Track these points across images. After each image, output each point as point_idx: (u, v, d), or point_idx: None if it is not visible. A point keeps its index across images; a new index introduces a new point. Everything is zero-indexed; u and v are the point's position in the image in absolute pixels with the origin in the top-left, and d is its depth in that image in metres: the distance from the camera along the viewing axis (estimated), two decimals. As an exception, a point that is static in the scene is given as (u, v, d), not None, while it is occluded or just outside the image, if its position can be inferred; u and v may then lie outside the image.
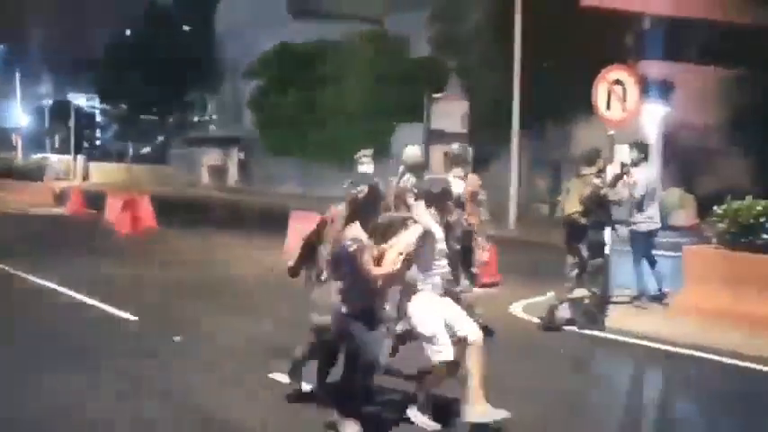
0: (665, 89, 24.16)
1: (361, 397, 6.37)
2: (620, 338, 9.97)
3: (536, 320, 10.71)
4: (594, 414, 7.52)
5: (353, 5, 41.05)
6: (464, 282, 8.73)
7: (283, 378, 7.48)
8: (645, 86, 16.31)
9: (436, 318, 6.30)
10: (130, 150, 68.85)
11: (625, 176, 10.97)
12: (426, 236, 6.33)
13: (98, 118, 78.40)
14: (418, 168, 8.86)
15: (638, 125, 17.64)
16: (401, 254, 6.08)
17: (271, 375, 7.84)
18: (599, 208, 10.16)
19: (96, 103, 71.77)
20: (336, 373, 6.65)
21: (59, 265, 14.95)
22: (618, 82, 11.90)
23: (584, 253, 10.05)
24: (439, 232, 6.46)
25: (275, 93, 41.64)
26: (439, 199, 6.59)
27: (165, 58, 54.81)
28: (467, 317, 6.53)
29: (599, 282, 10.27)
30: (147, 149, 70.51)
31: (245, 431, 6.60)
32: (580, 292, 10.19)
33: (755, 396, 7.99)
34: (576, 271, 10.12)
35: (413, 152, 9.05)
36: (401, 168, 8.94)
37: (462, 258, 8.58)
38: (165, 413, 6.98)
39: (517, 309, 11.79)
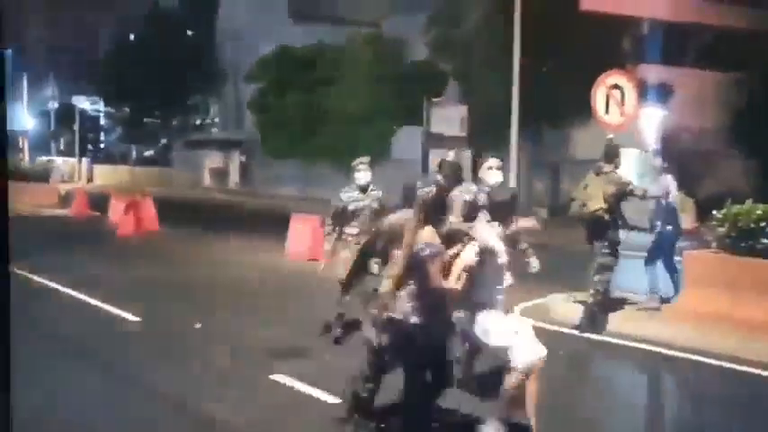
0: (664, 93, 24.20)
1: (427, 417, 5.98)
2: (620, 342, 9.99)
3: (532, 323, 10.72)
4: (590, 416, 7.57)
5: (352, 9, 41.24)
6: None
7: (284, 379, 7.54)
8: (643, 91, 16.41)
9: (508, 330, 5.96)
10: (134, 153, 69.09)
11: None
12: (486, 253, 5.88)
13: (102, 121, 78.53)
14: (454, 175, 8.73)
15: (636, 129, 17.67)
16: (463, 271, 5.70)
17: (272, 377, 7.89)
18: (619, 206, 10.28)
19: (100, 106, 71.91)
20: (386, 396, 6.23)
21: (62, 266, 15.02)
22: (616, 86, 12.00)
23: (603, 251, 10.14)
24: (500, 247, 6.00)
25: (275, 95, 41.75)
26: (503, 209, 6.27)
27: (168, 61, 55.01)
28: (536, 340, 6.08)
29: (604, 281, 10.34)
30: (150, 152, 70.75)
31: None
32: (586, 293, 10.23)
33: (753, 400, 8.01)
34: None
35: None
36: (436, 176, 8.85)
37: None
38: (165, 413, 7.03)
39: (515, 312, 11.83)
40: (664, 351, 9.50)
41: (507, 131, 23.43)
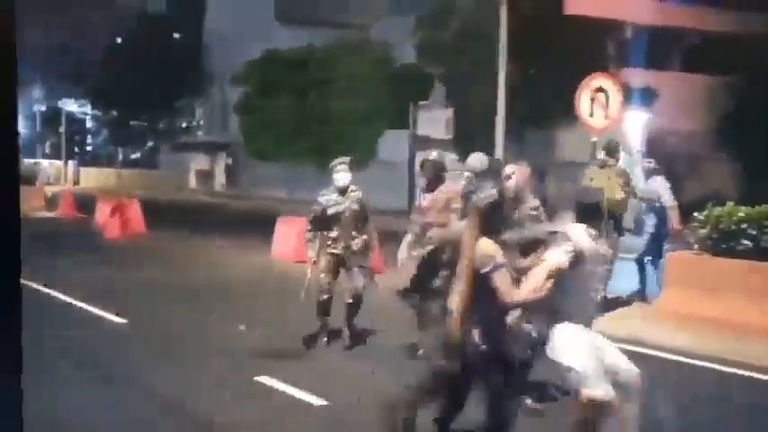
0: (649, 97, 24.40)
1: None
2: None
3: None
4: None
5: (340, 13, 41.26)
6: None
7: (269, 381, 7.59)
8: (628, 94, 16.55)
9: (584, 349, 5.18)
10: (120, 155, 68.94)
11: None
12: (579, 257, 5.14)
13: (89, 123, 78.38)
14: (488, 176, 8.14)
15: (621, 132, 17.81)
16: (549, 277, 5.00)
17: (257, 378, 7.93)
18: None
19: (87, 108, 71.76)
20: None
21: (47, 267, 14.99)
22: (601, 90, 12.12)
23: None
24: (594, 252, 5.29)
25: (261, 98, 41.75)
26: (591, 213, 5.47)
27: (155, 64, 54.95)
28: (626, 358, 5.44)
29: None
30: (136, 154, 70.62)
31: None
32: None
33: (734, 400, 8.06)
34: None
35: (478, 159, 8.78)
36: (467, 176, 8.76)
37: None
38: (149, 415, 7.06)
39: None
40: (644, 351, 9.56)
41: (493, 134, 23.54)
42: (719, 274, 10.78)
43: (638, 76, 24.21)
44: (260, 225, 20.09)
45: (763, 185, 17.66)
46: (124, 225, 21.67)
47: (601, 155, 11.60)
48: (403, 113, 33.90)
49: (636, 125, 22.14)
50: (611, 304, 11.78)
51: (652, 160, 12.40)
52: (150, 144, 66.08)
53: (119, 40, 64.55)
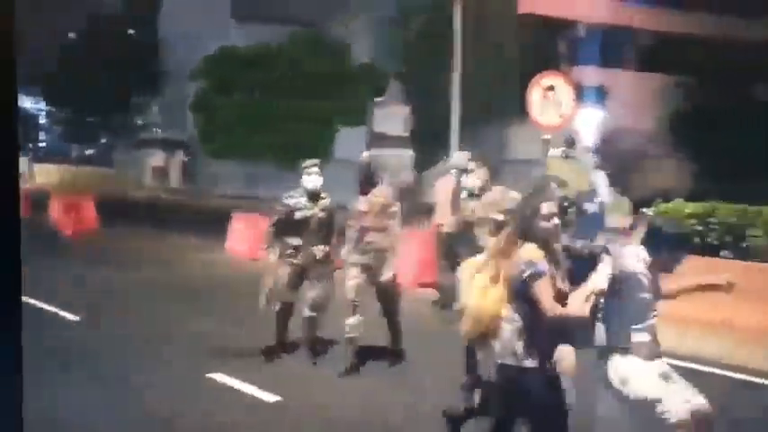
0: (600, 95, 24.77)
1: None
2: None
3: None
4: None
5: (297, 10, 41.21)
6: None
7: (222, 378, 7.66)
8: (579, 92, 16.80)
9: (655, 376, 4.81)
10: (75, 152, 68.18)
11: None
12: (623, 280, 4.75)
13: (43, 120, 77.42)
14: (366, 178, 8.34)
15: (573, 130, 18.08)
16: (589, 297, 4.52)
17: (210, 375, 7.98)
18: None
19: (42, 105, 70.89)
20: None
21: None
22: (551, 88, 12.30)
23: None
24: (644, 276, 4.81)
25: (217, 96, 41.58)
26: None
27: (110, 60, 54.47)
28: (690, 386, 4.92)
29: None
30: (91, 151, 69.87)
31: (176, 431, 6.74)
32: None
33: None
34: None
35: (463, 156, 8.64)
36: (453, 172, 8.65)
37: None
38: (100, 413, 7.07)
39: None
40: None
41: (449, 131, 23.73)
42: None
43: (590, 75, 24.55)
44: (215, 222, 20.05)
45: (712, 183, 18.09)
46: (78, 221, 21.50)
47: (560, 148, 11.85)
48: (360, 111, 34.02)
49: (588, 123, 22.44)
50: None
51: (595, 156, 12.65)
52: (105, 141, 65.43)
53: (74, 36, 63.84)
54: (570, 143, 11.25)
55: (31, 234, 22.05)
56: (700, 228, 10.93)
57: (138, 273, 15.21)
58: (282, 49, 39.12)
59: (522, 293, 4.45)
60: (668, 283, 5.09)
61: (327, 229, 8.60)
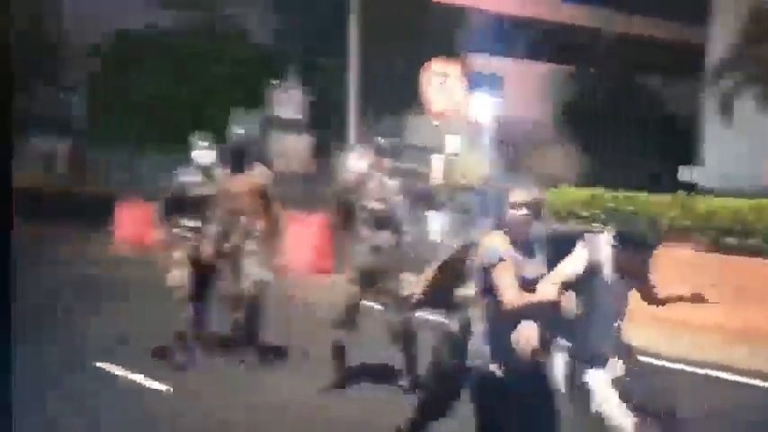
0: (494, 83, 25.08)
1: None
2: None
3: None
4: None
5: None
6: None
7: (108, 367, 7.48)
8: (472, 80, 16.95)
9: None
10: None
11: None
12: (595, 270, 4.26)
13: None
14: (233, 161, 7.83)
15: (465, 117, 18.31)
16: (558, 282, 4.14)
17: (98, 364, 7.82)
18: None
19: None
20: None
21: None
22: (444, 75, 12.37)
23: None
24: (610, 270, 4.29)
25: (109, 80, 40.61)
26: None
27: (2, 42, 52.52)
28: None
29: None
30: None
31: (61, 418, 6.51)
32: None
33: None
34: None
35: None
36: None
37: None
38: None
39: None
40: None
41: (347, 117, 23.75)
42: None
43: (484, 62, 24.80)
44: (105, 210, 19.49)
45: (603, 169, 18.54)
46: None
47: (455, 138, 11.99)
48: (257, 95, 33.67)
49: (480, 110, 22.69)
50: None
51: (486, 144, 12.77)
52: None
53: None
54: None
55: None
56: (585, 213, 11.17)
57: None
58: (176, 33, 38.50)
59: (483, 282, 4.18)
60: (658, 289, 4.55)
61: (253, 206, 7.75)
